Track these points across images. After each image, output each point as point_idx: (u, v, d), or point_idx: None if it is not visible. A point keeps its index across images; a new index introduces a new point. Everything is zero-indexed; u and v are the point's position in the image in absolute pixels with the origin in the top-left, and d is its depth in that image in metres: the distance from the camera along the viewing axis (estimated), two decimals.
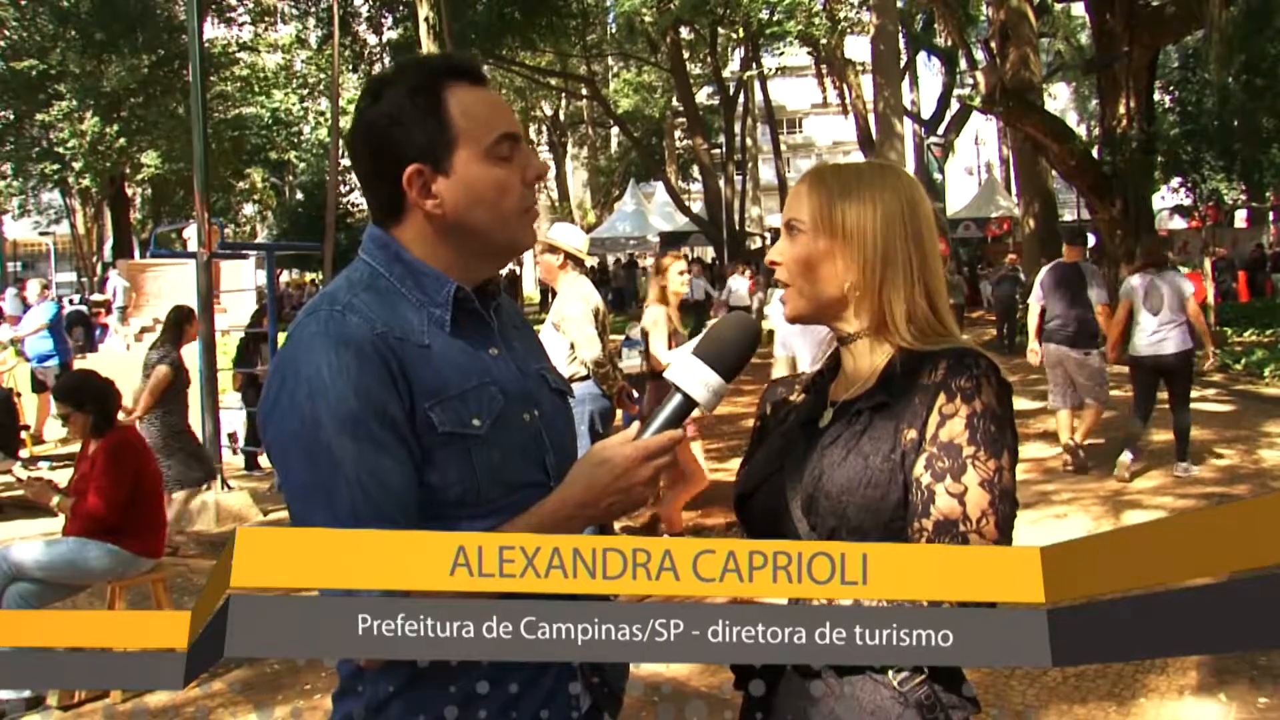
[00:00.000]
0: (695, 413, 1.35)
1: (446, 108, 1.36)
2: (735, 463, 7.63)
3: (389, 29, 27.86)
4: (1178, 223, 31.03)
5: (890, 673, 1.34)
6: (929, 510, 1.31)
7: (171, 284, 17.86)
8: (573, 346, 5.13)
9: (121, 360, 15.32)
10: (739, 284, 20.70)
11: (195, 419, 8.08)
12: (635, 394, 6.40)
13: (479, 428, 1.32)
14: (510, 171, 1.39)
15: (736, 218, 32.46)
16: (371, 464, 1.23)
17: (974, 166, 46.98)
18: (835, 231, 1.43)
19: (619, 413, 5.95)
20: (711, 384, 1.31)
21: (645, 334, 5.92)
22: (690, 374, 1.32)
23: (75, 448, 5.38)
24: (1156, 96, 19.60)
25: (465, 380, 1.34)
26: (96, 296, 18.29)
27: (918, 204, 1.47)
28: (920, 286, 1.43)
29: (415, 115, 1.35)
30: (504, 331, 1.47)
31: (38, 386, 11.06)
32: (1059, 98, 43.05)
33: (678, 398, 1.32)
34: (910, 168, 26.12)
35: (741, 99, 34.54)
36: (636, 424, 1.34)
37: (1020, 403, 9.40)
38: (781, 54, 26.58)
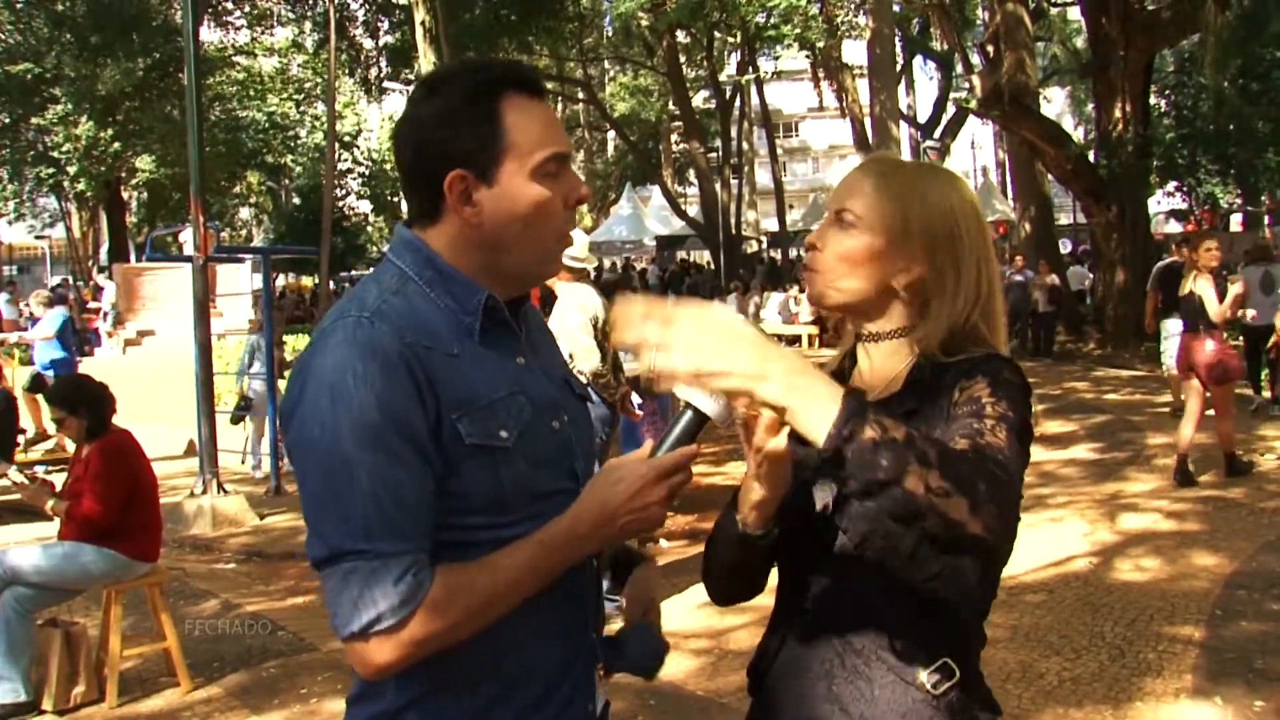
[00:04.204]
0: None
1: (501, 116, 1.32)
2: (732, 466, 7.65)
3: (385, 33, 27.82)
4: (1174, 226, 31.13)
5: (922, 675, 1.32)
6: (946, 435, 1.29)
7: (167, 288, 17.86)
8: (572, 357, 5.12)
9: (116, 364, 15.32)
10: None
11: (191, 423, 8.08)
12: (640, 400, 6.39)
13: (506, 439, 1.31)
14: (554, 192, 1.36)
15: (733, 221, 32.44)
16: (387, 477, 1.22)
17: (970, 170, 47.06)
18: (894, 233, 1.39)
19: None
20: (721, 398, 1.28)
21: None
22: (700, 390, 1.28)
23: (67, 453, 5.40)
24: (1152, 100, 19.65)
25: (494, 391, 1.32)
26: (92, 304, 18.20)
27: (979, 211, 1.44)
28: (976, 299, 1.40)
29: (468, 119, 1.32)
30: (530, 338, 1.46)
31: (36, 388, 11.04)
32: (1055, 101, 43.08)
33: (688, 414, 1.30)
34: None
35: (738, 103, 34.53)
36: (649, 442, 1.32)
37: None
38: (778, 58, 26.52)
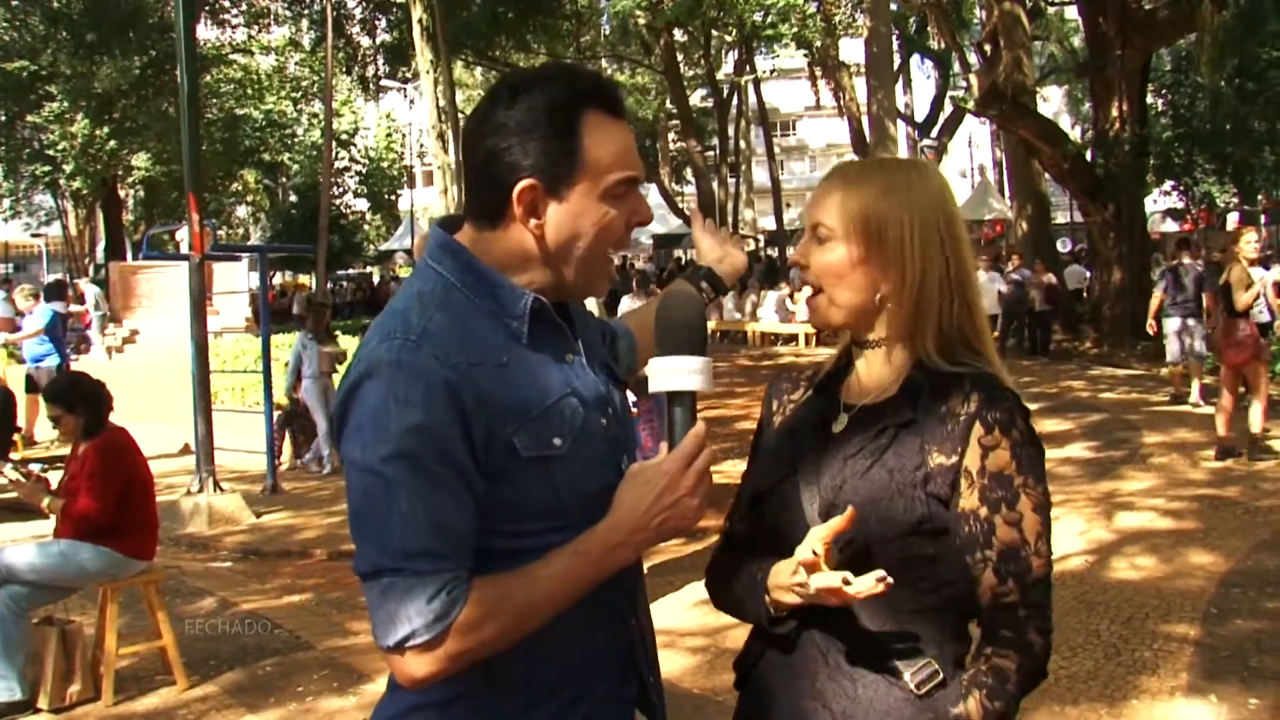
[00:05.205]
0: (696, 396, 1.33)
1: (582, 134, 1.31)
2: (729, 465, 7.66)
3: (382, 31, 27.81)
4: (1170, 225, 31.14)
5: (906, 675, 1.33)
6: (990, 541, 1.33)
7: (164, 286, 17.86)
8: None
9: (110, 362, 15.30)
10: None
11: (188, 421, 8.06)
12: (635, 398, 6.39)
13: (560, 447, 1.31)
14: (619, 213, 1.35)
15: (730, 220, 32.47)
16: (426, 501, 1.22)
17: (967, 169, 47.14)
18: (869, 239, 1.39)
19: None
20: (694, 367, 1.29)
21: None
22: (671, 374, 1.30)
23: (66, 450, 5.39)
24: (1149, 100, 19.63)
25: (545, 397, 1.31)
26: (75, 308, 18.08)
27: (951, 205, 1.43)
28: (958, 298, 1.40)
29: (547, 131, 1.30)
30: (578, 331, 1.44)
31: (31, 387, 11.04)
32: (1052, 100, 43.11)
33: (678, 405, 1.30)
34: None
35: (735, 101, 34.54)
36: (664, 446, 1.32)
37: None
38: (776, 56, 26.56)
